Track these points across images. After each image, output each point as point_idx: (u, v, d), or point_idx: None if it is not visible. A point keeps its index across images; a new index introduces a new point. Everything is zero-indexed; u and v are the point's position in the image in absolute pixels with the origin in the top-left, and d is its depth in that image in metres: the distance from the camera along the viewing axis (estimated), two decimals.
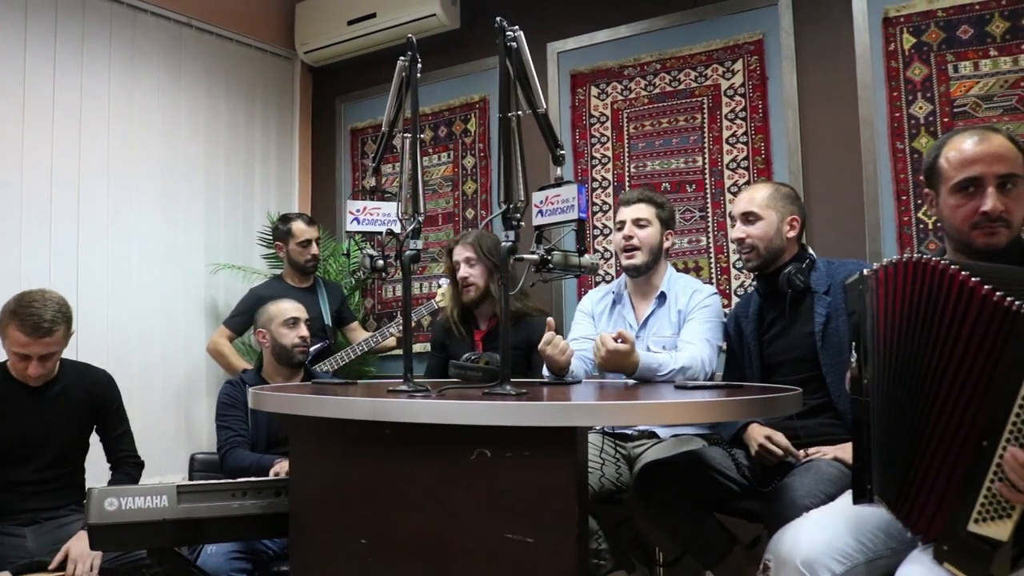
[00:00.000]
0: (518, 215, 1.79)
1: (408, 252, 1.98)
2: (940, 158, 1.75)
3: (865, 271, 1.62)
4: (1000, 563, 1.34)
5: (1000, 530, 1.33)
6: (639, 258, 2.66)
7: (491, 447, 1.55)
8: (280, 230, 3.70)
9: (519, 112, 1.84)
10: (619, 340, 2.19)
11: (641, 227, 2.67)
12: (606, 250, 3.56)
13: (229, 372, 3.51)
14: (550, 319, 2.38)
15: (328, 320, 3.73)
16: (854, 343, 1.67)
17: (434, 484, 1.62)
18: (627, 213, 2.70)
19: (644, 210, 2.69)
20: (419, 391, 1.81)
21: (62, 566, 2.42)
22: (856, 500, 1.65)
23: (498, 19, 1.82)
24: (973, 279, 1.36)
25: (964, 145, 1.71)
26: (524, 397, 1.60)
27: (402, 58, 2.06)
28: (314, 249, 3.69)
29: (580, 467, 1.53)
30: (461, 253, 3.11)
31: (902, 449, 1.53)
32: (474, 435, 1.56)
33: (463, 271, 3.12)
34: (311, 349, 3.50)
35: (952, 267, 1.41)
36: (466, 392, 1.80)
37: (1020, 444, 1.30)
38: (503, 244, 1.76)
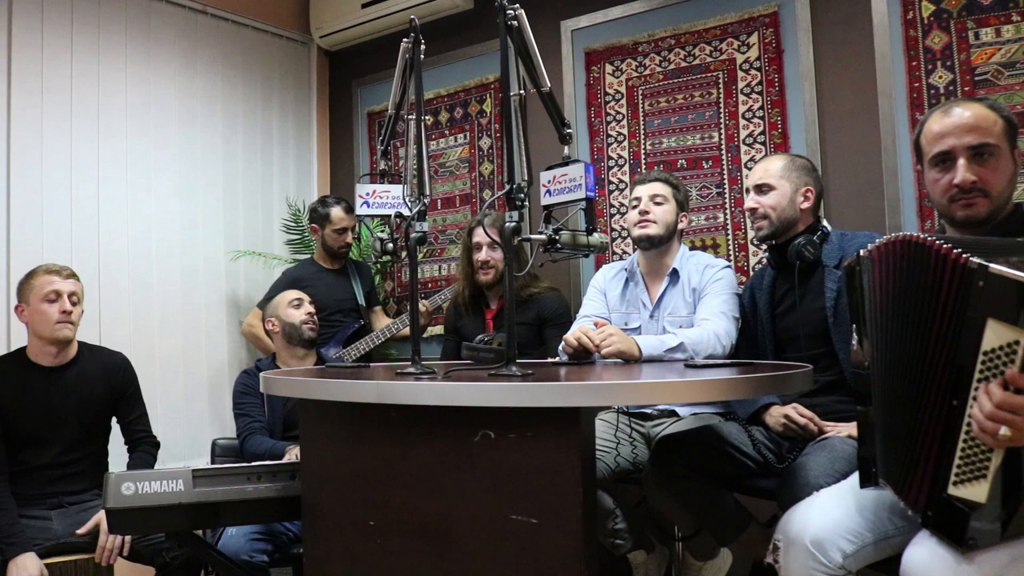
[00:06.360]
0: (522, 195, 1.78)
1: (414, 235, 1.98)
2: (921, 134, 1.78)
3: (861, 252, 1.62)
4: (981, 527, 1.33)
5: (977, 491, 1.32)
6: (653, 228, 2.63)
7: (495, 428, 1.55)
8: (319, 213, 3.71)
9: (521, 91, 1.83)
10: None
11: (657, 204, 2.64)
12: (623, 228, 3.53)
13: (264, 352, 3.55)
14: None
15: (362, 300, 3.76)
16: (855, 325, 1.67)
17: (439, 466, 1.63)
18: (643, 191, 2.67)
19: (660, 188, 2.66)
20: (426, 373, 1.81)
21: (92, 547, 2.48)
22: (862, 484, 1.63)
23: None
24: (945, 246, 1.37)
25: (937, 119, 1.74)
26: (529, 378, 1.59)
27: (405, 40, 2.04)
28: (348, 237, 3.71)
29: (584, 447, 1.53)
30: (484, 236, 3.10)
31: (899, 425, 1.52)
32: (478, 417, 1.56)
33: (485, 254, 3.13)
34: (338, 333, 3.55)
35: (930, 239, 1.42)
36: (470, 374, 1.80)
37: None
38: (507, 224, 1.75)
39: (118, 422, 2.84)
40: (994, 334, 1.27)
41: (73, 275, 2.68)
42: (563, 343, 2.31)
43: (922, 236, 1.46)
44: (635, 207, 2.68)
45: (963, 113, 1.70)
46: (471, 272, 3.22)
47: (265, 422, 2.98)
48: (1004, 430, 1.24)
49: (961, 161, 1.68)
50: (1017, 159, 1.73)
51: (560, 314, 3.11)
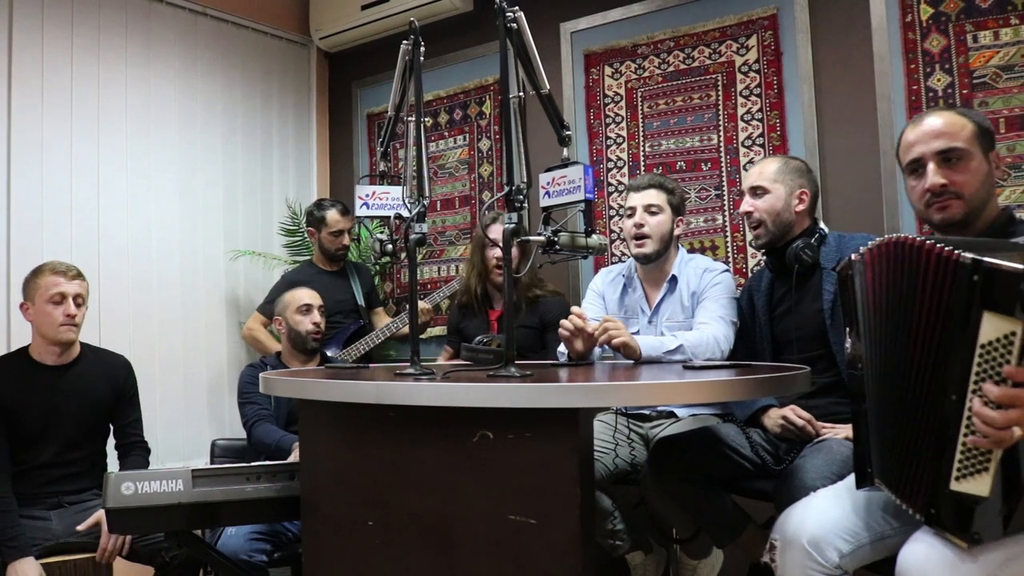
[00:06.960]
0: (521, 196, 1.78)
1: (413, 236, 1.98)
2: (899, 146, 1.85)
3: (853, 256, 1.65)
4: (985, 521, 1.34)
5: (980, 485, 1.33)
6: (649, 246, 2.60)
7: (493, 429, 1.56)
8: (315, 216, 3.72)
9: (521, 94, 1.83)
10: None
11: (652, 214, 2.62)
12: (622, 230, 3.54)
13: (265, 355, 3.56)
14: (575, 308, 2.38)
15: (361, 301, 3.76)
16: (848, 328, 1.68)
17: (437, 466, 1.64)
18: (637, 199, 2.64)
19: (655, 196, 2.63)
20: (425, 374, 1.82)
21: (91, 547, 2.48)
22: (859, 485, 1.64)
23: (498, 0, 1.81)
24: (937, 245, 1.40)
25: (911, 129, 1.81)
26: (527, 379, 1.60)
27: (405, 42, 2.04)
28: (345, 240, 3.71)
29: (582, 448, 1.53)
30: (499, 233, 3.09)
31: (894, 425, 1.54)
32: (476, 417, 1.57)
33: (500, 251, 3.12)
34: (338, 333, 3.55)
35: (919, 239, 1.45)
36: (469, 375, 1.81)
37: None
38: (505, 226, 1.75)
39: (113, 425, 2.83)
40: (991, 326, 1.30)
41: (79, 275, 2.69)
42: (560, 329, 2.31)
43: (913, 237, 1.48)
44: (630, 216, 2.65)
45: (933, 121, 1.77)
46: (485, 271, 3.22)
47: (271, 411, 2.99)
48: (1017, 430, 1.26)
49: (931, 166, 1.74)
50: (992, 162, 1.76)
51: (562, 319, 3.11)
